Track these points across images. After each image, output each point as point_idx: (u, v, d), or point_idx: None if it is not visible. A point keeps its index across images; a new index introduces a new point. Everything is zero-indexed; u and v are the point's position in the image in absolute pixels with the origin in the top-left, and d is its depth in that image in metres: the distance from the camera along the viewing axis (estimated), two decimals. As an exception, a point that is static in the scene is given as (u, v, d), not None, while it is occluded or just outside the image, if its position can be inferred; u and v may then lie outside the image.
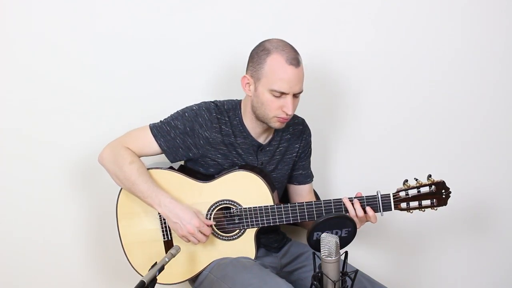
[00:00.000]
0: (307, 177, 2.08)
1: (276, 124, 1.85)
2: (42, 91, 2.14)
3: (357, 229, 1.68)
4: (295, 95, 1.81)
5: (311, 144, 2.08)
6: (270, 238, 2.01)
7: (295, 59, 1.78)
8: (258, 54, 1.80)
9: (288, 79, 1.77)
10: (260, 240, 1.95)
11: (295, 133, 2.01)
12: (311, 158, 2.09)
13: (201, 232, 1.83)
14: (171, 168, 1.92)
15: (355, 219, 1.79)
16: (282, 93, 1.78)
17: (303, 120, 2.05)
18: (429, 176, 1.85)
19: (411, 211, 1.87)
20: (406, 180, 1.85)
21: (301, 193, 2.08)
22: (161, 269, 1.57)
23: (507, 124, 2.41)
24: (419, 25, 2.31)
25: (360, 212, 1.83)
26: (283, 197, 2.10)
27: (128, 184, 1.85)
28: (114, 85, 2.18)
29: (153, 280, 1.52)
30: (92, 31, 2.14)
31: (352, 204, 1.84)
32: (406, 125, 2.37)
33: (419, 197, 1.85)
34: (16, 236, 2.19)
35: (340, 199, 1.86)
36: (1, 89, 2.12)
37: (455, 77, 2.36)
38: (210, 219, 1.88)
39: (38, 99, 2.14)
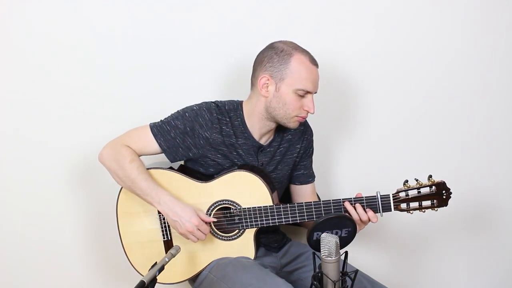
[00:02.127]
0: (309, 177, 2.07)
1: (294, 124, 1.88)
2: (42, 91, 2.14)
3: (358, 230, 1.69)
4: None
5: (313, 144, 2.08)
6: (270, 238, 2.00)
7: (315, 60, 1.85)
8: (279, 54, 1.81)
9: (313, 79, 1.83)
10: (260, 240, 1.95)
11: (297, 133, 2.01)
12: (312, 158, 2.09)
13: (200, 230, 1.83)
14: (170, 168, 1.92)
15: (358, 222, 1.80)
16: (307, 92, 1.83)
17: (305, 120, 2.05)
18: (430, 176, 1.84)
19: (411, 211, 1.87)
20: (407, 181, 1.85)
21: (304, 194, 2.07)
22: (161, 269, 1.57)
23: (507, 124, 2.41)
24: (419, 25, 2.31)
25: (363, 215, 1.83)
26: (286, 198, 2.10)
27: (128, 182, 1.85)
28: (114, 84, 2.18)
29: (153, 280, 1.52)
30: (92, 31, 2.14)
31: (355, 208, 1.83)
32: (407, 126, 2.37)
33: (420, 197, 1.85)
34: (16, 236, 2.19)
35: (340, 199, 1.85)
36: (1, 89, 2.12)
37: (455, 77, 2.36)
38: (209, 219, 1.89)
39: (38, 99, 2.14)
